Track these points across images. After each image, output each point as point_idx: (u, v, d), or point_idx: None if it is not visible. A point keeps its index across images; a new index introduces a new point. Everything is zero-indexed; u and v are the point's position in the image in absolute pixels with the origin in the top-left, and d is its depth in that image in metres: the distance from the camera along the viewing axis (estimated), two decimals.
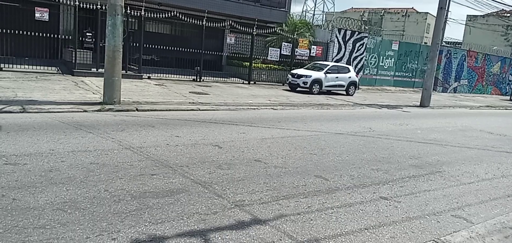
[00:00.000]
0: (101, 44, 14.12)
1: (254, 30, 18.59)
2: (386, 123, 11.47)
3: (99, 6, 13.97)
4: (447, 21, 25.36)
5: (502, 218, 4.89)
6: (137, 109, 9.59)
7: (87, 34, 14.68)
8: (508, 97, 28.46)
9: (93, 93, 11.00)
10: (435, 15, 18.31)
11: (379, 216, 4.56)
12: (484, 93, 30.24)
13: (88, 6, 14.08)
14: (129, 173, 4.98)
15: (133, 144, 6.37)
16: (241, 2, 20.63)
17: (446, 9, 20.14)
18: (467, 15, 55.86)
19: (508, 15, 50.97)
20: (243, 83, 18.59)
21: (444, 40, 29.37)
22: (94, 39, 14.78)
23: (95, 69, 14.67)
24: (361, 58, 23.41)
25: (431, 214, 4.78)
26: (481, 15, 48.29)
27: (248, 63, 19.05)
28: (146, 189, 4.53)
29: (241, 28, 18.32)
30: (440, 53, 22.53)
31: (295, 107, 13.18)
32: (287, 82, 18.38)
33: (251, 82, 18.86)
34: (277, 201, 4.62)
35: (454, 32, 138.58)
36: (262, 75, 19.71)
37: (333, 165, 6.39)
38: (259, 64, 19.83)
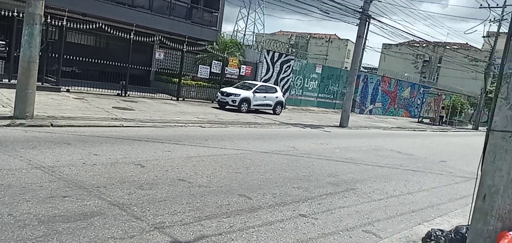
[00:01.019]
0: (15, 54, 13.02)
1: (185, 47, 18.47)
2: (308, 142, 12.04)
3: (16, 14, 12.90)
4: (365, 49, 27.62)
5: (406, 233, 5.39)
6: (52, 125, 8.93)
7: (0, 42, 13.45)
8: (417, 120, 31.58)
9: (3, 106, 10.03)
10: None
11: (297, 233, 4.76)
12: (395, 115, 33.19)
13: (3, 13, 12.91)
14: (37, 195, 4.60)
15: (44, 163, 5.91)
16: (171, 18, 20.38)
17: (364, 37, 21.95)
18: (383, 44, 61.28)
19: (418, 45, 56.96)
20: (171, 99, 18.27)
21: (362, 65, 31.89)
22: (7, 48, 13.59)
23: (7, 80, 13.49)
24: (288, 79, 24.41)
25: (344, 230, 5.12)
26: (395, 44, 53.29)
27: (177, 79, 18.80)
28: (56, 213, 4.22)
29: (171, 44, 18.08)
30: (358, 77, 24.32)
31: (223, 125, 13.26)
32: (216, 100, 18.48)
33: (179, 99, 18.60)
34: (199, 222, 4.60)
35: (371, 58, 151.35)
36: (192, 92, 19.59)
37: (257, 184, 6.55)
38: (189, 81, 19.69)
